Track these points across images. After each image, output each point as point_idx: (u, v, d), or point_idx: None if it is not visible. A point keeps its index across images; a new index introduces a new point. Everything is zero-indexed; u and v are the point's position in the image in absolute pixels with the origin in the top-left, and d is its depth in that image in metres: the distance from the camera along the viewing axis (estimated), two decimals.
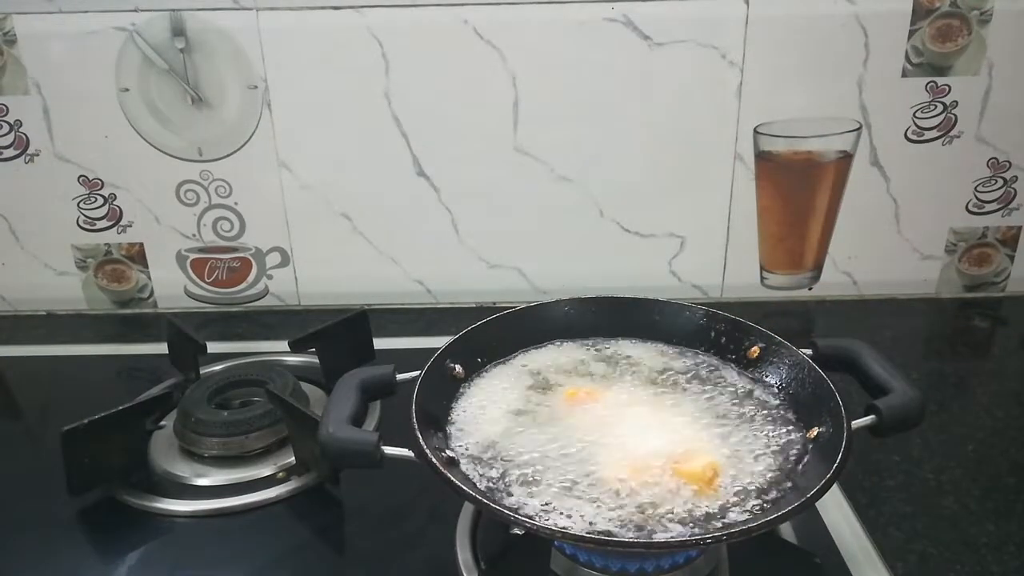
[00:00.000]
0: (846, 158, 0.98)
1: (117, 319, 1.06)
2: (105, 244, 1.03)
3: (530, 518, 0.49)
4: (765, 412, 0.60)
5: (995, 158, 0.98)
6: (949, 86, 0.94)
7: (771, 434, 0.58)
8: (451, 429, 0.59)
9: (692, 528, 0.49)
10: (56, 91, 0.95)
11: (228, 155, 0.98)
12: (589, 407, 0.61)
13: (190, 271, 1.05)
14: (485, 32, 0.92)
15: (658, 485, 0.53)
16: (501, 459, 0.56)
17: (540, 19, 0.91)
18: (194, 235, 1.02)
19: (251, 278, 1.05)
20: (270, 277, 1.05)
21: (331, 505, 0.69)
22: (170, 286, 1.05)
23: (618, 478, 0.53)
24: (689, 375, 0.65)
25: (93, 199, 1.00)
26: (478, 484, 0.53)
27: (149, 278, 1.05)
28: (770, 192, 0.99)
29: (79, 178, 0.99)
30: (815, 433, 0.57)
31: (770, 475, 0.54)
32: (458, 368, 0.64)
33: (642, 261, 1.03)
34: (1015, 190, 0.99)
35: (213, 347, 0.85)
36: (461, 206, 1.00)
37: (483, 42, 0.92)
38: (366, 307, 0.90)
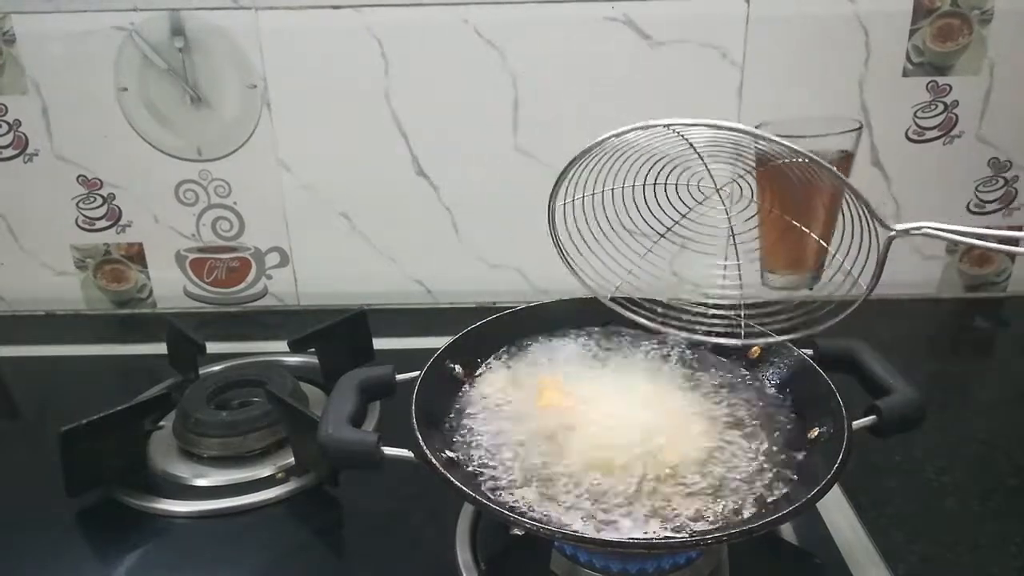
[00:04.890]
0: (847, 158, 0.97)
1: (116, 319, 1.06)
2: (104, 244, 1.03)
3: (529, 518, 0.49)
4: (766, 412, 0.60)
5: (996, 158, 0.97)
6: (950, 86, 0.94)
7: (772, 434, 0.58)
8: (449, 429, 0.59)
9: (688, 528, 0.49)
10: (55, 91, 0.95)
11: (227, 155, 0.98)
12: (586, 406, 0.61)
13: (189, 271, 1.04)
14: (485, 32, 0.92)
15: (655, 483, 0.53)
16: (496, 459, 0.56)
17: (540, 19, 0.91)
18: (193, 235, 1.02)
19: (250, 278, 1.05)
20: (269, 277, 1.05)
21: (330, 506, 0.68)
22: (169, 286, 1.05)
23: (614, 477, 0.53)
24: (690, 375, 0.65)
25: (92, 199, 1.00)
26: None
27: (148, 278, 1.05)
28: (771, 192, 0.99)
29: (78, 178, 0.99)
30: (816, 433, 0.56)
31: (770, 476, 0.54)
32: (458, 368, 0.64)
33: None
34: (1016, 190, 0.99)
35: (212, 347, 0.85)
36: (461, 206, 1.00)
37: (483, 42, 0.92)
38: (365, 307, 0.90)
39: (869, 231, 0.52)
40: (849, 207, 0.54)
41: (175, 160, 0.98)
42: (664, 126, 0.54)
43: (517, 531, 0.57)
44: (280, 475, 0.71)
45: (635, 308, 0.64)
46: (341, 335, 0.84)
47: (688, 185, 0.61)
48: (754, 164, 0.62)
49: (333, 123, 0.96)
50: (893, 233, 0.51)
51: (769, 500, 0.52)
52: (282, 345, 0.83)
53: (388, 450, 0.53)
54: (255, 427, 0.73)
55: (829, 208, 0.99)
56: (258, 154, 0.98)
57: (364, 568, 0.62)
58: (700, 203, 0.61)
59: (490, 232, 1.02)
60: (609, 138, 0.56)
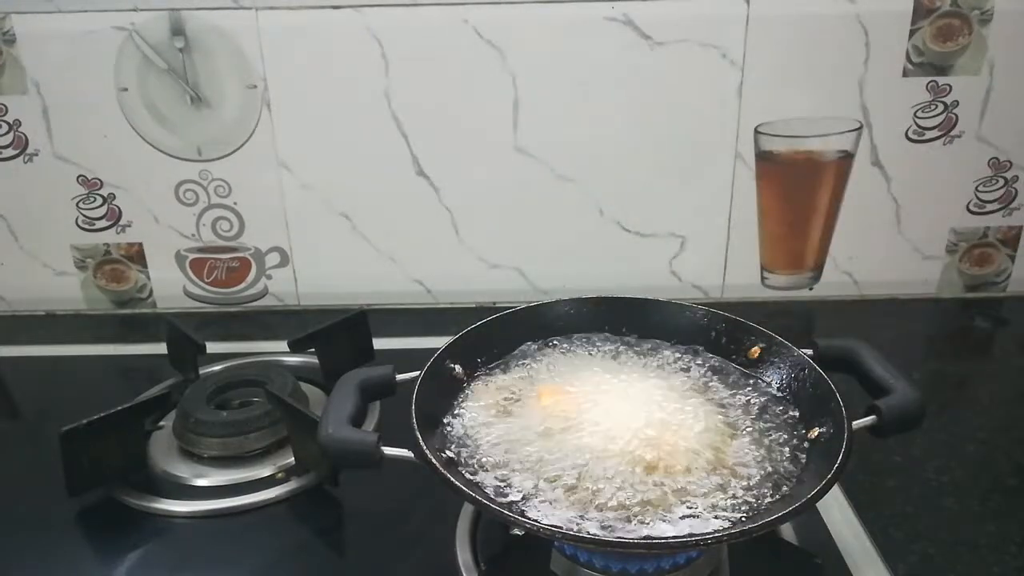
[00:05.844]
0: (847, 158, 0.98)
1: (116, 319, 1.06)
2: (104, 244, 1.03)
3: (529, 518, 0.49)
4: (765, 412, 0.60)
5: (996, 158, 0.97)
6: (950, 86, 0.94)
7: (772, 434, 0.58)
8: (449, 429, 0.59)
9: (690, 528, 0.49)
10: (55, 91, 0.95)
11: (227, 155, 0.98)
12: (586, 407, 0.61)
13: (189, 271, 1.04)
14: (485, 32, 0.92)
15: (654, 484, 0.53)
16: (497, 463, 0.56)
17: (540, 19, 0.91)
18: (193, 235, 1.02)
19: (250, 278, 1.05)
20: (269, 277, 1.05)
21: (331, 506, 0.68)
22: (169, 286, 1.05)
23: (614, 478, 0.53)
24: (690, 375, 0.65)
25: (92, 199, 1.00)
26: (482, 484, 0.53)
27: (148, 278, 1.05)
28: (771, 192, 0.99)
29: (78, 178, 0.99)
30: (816, 433, 0.56)
31: (771, 475, 0.54)
32: (458, 368, 0.64)
33: (642, 261, 1.02)
34: (1016, 190, 0.99)
35: (212, 347, 0.85)
36: (461, 206, 1.00)
37: (483, 42, 0.92)
38: (366, 307, 0.90)
39: None
40: None
41: (175, 160, 0.98)
42: None
43: (517, 531, 0.57)
44: (280, 475, 0.71)
45: None
46: (341, 335, 0.84)
47: None
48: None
49: (333, 123, 0.96)
50: None
51: (769, 500, 0.52)
52: (282, 345, 0.83)
53: (388, 450, 0.53)
54: (255, 427, 0.73)
55: (830, 204, 1.00)
56: (258, 154, 0.98)
57: (364, 568, 0.62)
58: None
59: (490, 232, 1.02)
60: None
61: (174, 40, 0.92)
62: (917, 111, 0.95)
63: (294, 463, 0.72)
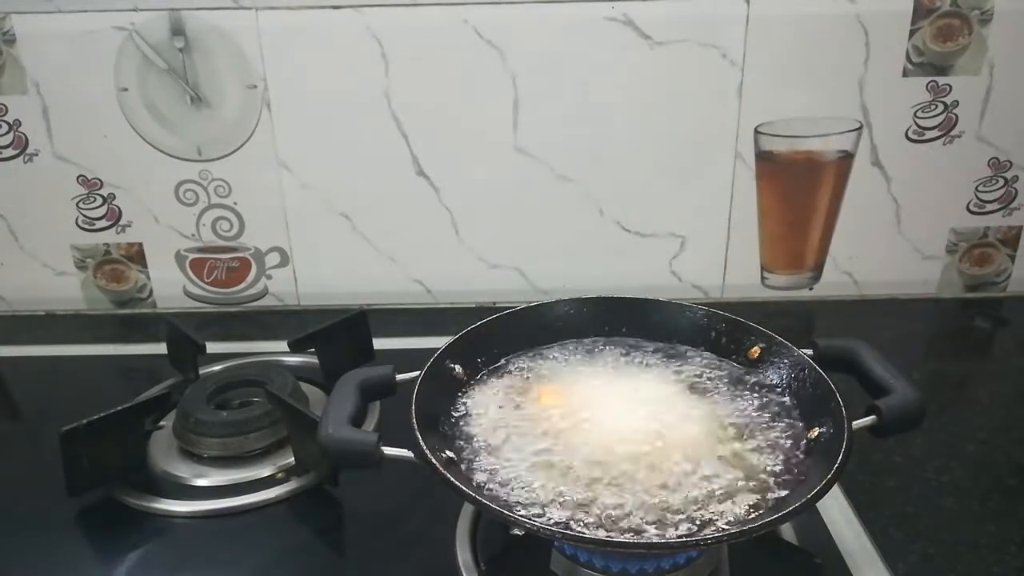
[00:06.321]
0: (847, 158, 0.98)
1: (116, 319, 1.06)
2: (104, 244, 1.03)
3: (529, 518, 0.49)
4: (765, 412, 0.60)
5: (996, 158, 0.97)
6: (950, 86, 0.94)
7: (771, 434, 0.58)
8: (448, 429, 0.59)
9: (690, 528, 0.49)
10: (55, 91, 0.95)
11: (227, 155, 0.98)
12: (586, 407, 0.61)
13: (189, 271, 1.04)
14: (485, 32, 0.92)
15: (654, 484, 0.53)
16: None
17: (540, 19, 0.91)
18: (193, 235, 1.02)
19: (250, 278, 1.05)
20: (269, 277, 1.05)
21: (331, 506, 0.68)
22: (169, 286, 1.05)
23: (614, 478, 0.53)
24: (691, 376, 0.65)
25: (92, 199, 1.00)
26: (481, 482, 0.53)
27: (148, 278, 1.05)
28: (771, 192, 0.99)
29: (78, 178, 0.99)
30: (816, 433, 0.57)
31: (770, 475, 0.54)
32: (458, 368, 0.64)
33: (642, 261, 1.02)
34: (1016, 190, 0.99)
35: (212, 347, 0.85)
36: (461, 206, 1.00)
37: (483, 42, 0.92)
38: (366, 307, 0.90)
39: None
40: None
41: (175, 160, 0.98)
42: None
43: (517, 531, 0.57)
44: (280, 475, 0.71)
45: None
46: (341, 335, 0.84)
47: None
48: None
49: (333, 123, 0.96)
50: None
51: (769, 500, 0.52)
52: (282, 345, 0.83)
53: (388, 450, 0.53)
54: (255, 427, 0.73)
55: (830, 204, 1.00)
56: (258, 154, 0.98)
57: (364, 568, 0.62)
58: None
59: (490, 232, 1.02)
60: None
61: (174, 40, 0.92)
62: (917, 111, 0.95)
63: (294, 463, 0.72)
